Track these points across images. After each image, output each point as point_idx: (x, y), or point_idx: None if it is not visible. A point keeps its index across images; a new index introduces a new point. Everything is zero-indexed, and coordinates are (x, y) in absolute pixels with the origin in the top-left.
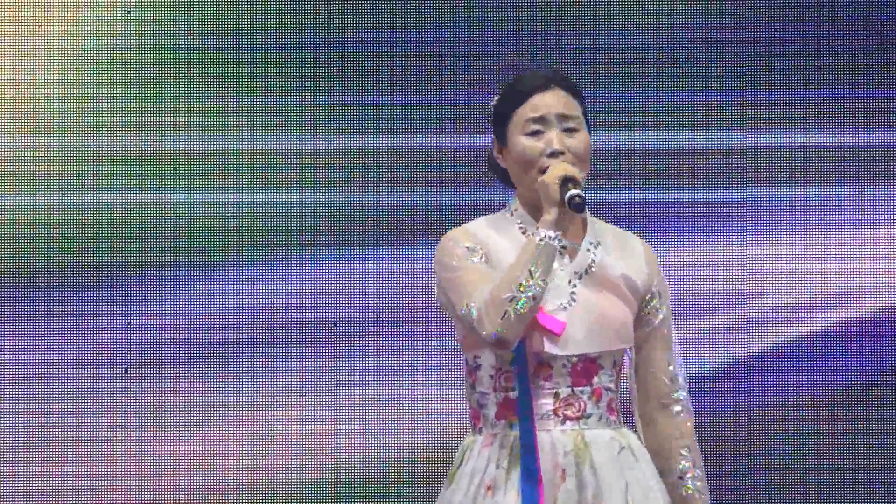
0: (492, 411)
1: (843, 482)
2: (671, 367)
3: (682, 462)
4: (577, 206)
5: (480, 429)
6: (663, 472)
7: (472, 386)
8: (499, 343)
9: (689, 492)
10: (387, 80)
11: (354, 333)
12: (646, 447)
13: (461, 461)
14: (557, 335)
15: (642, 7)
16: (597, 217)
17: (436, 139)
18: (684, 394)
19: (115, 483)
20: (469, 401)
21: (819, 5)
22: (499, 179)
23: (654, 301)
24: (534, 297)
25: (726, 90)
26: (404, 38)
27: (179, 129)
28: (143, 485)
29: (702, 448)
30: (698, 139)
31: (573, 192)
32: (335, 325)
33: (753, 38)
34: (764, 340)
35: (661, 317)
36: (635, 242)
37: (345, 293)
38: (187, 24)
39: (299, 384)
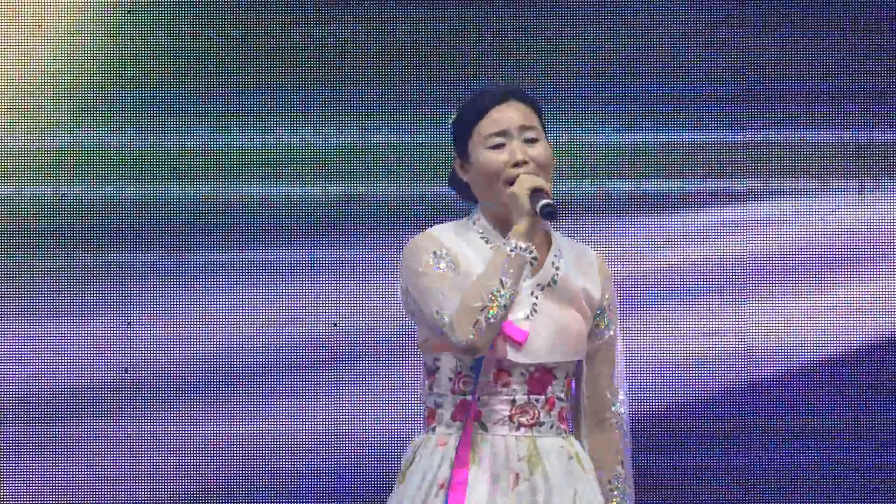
0: (448, 412)
1: (844, 482)
2: (614, 382)
3: (614, 473)
4: (549, 214)
5: (434, 427)
6: (599, 480)
7: (430, 387)
8: (469, 350)
9: (615, 502)
10: (387, 79)
11: (354, 333)
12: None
13: (412, 459)
14: (521, 344)
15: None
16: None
17: (436, 139)
18: (623, 409)
19: (115, 483)
20: (425, 401)
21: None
22: (460, 195)
23: (605, 315)
24: (504, 307)
25: (727, 90)
26: (404, 39)
27: (180, 128)
28: (143, 485)
29: (702, 447)
30: (698, 137)
31: (545, 201)
32: (335, 324)
33: (753, 38)
34: (765, 340)
35: (610, 332)
36: (591, 255)
37: (345, 293)
38: (187, 24)
39: (299, 384)
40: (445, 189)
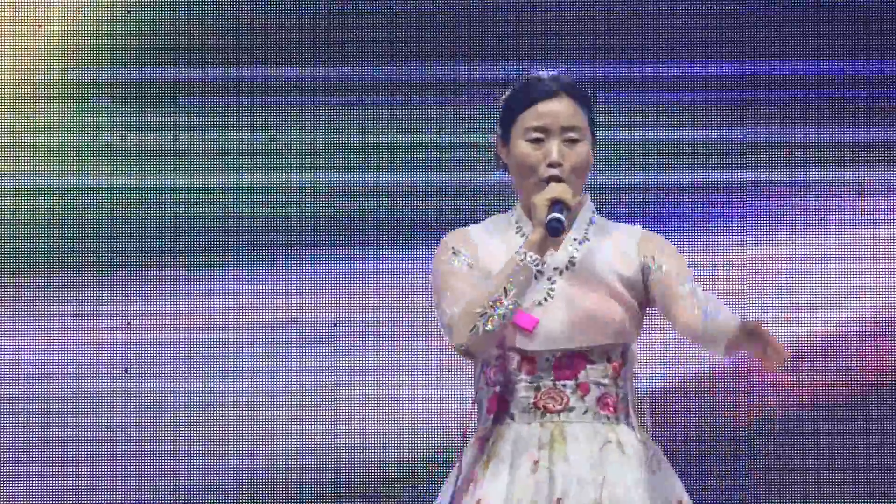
0: (485, 406)
1: (843, 482)
2: (677, 282)
3: (699, 318)
4: (554, 230)
5: (479, 421)
6: (701, 335)
7: (476, 381)
8: (465, 354)
9: (707, 323)
10: (389, 79)
11: (354, 333)
12: (686, 335)
13: (463, 453)
14: (528, 331)
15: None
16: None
17: (438, 138)
18: (705, 303)
19: (115, 483)
20: (475, 397)
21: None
22: (502, 170)
23: (653, 268)
24: (503, 316)
25: (727, 90)
26: (404, 37)
27: (180, 127)
28: (143, 485)
29: (701, 447)
30: (698, 136)
31: (553, 215)
32: (335, 324)
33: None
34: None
35: (664, 269)
36: (636, 233)
37: (345, 293)
38: (187, 23)
39: (299, 384)
40: (450, 187)
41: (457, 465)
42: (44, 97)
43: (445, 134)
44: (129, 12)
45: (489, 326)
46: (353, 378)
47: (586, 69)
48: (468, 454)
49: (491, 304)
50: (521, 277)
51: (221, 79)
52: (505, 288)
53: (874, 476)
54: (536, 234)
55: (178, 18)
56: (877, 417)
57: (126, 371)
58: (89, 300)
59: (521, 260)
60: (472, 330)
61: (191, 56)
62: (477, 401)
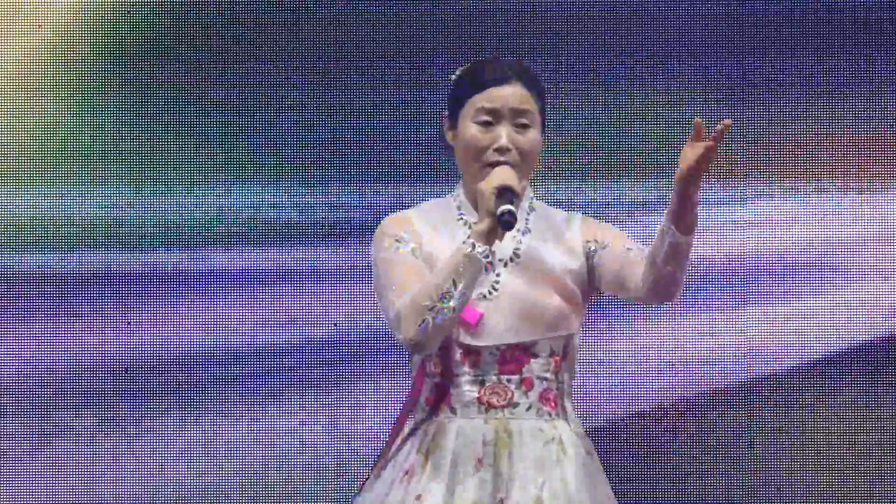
0: (424, 396)
1: (843, 482)
2: (633, 252)
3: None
4: (507, 224)
5: (413, 413)
6: (650, 266)
7: (412, 370)
8: (415, 348)
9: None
10: (388, 78)
11: (354, 334)
12: (645, 286)
13: (391, 444)
14: (472, 325)
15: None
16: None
17: (437, 139)
18: (636, 246)
19: (115, 483)
20: (412, 385)
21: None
22: (445, 153)
23: (598, 250)
24: (454, 309)
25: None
26: (405, 35)
27: (180, 129)
28: (143, 485)
29: (703, 446)
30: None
31: (505, 207)
32: (335, 324)
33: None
34: (766, 341)
35: (610, 244)
36: (575, 219)
37: (345, 293)
38: (187, 24)
39: (299, 384)
40: (447, 190)
41: (387, 453)
42: (44, 97)
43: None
44: (129, 12)
45: (439, 320)
46: (353, 378)
47: (585, 69)
48: (404, 444)
49: (440, 296)
50: (471, 269)
51: (222, 79)
52: (454, 280)
53: (874, 475)
54: (484, 224)
55: (179, 18)
56: (876, 417)
57: (126, 371)
58: (89, 300)
59: (470, 251)
60: (421, 324)
61: (191, 56)
62: (416, 390)
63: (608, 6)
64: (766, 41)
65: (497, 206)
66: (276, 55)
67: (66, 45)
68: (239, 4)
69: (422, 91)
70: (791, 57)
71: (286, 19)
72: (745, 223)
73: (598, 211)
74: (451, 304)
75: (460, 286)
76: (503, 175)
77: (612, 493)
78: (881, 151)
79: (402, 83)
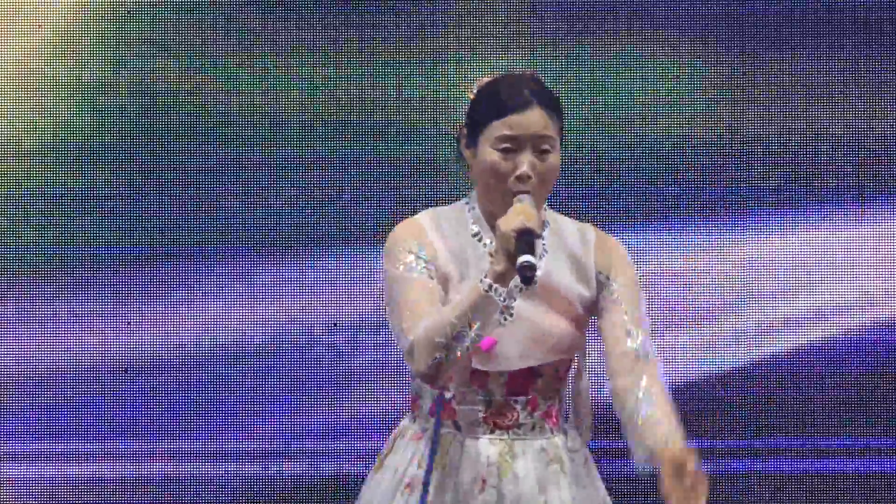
0: (427, 405)
1: (844, 482)
2: (625, 319)
3: (634, 402)
4: (526, 280)
5: (415, 418)
6: (628, 422)
7: (415, 378)
8: (424, 379)
9: (641, 422)
10: (389, 78)
11: (354, 333)
12: (614, 403)
13: (391, 448)
14: (485, 352)
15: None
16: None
17: (439, 138)
18: (635, 344)
19: (115, 483)
20: (411, 386)
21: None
22: (459, 164)
23: (606, 285)
24: (467, 349)
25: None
26: (405, 34)
27: (179, 128)
28: (143, 485)
29: (703, 446)
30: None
31: (525, 260)
32: (335, 324)
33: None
34: (765, 344)
35: (614, 294)
36: (590, 237)
37: (345, 293)
38: (187, 24)
39: (299, 384)
40: (449, 190)
41: (383, 460)
42: (44, 97)
43: (449, 136)
44: (129, 12)
45: (451, 358)
46: (353, 378)
47: (586, 68)
48: (404, 452)
49: (454, 336)
50: (488, 309)
51: (222, 78)
52: (469, 322)
53: (873, 475)
54: (501, 266)
55: (179, 18)
56: (876, 417)
57: (126, 371)
58: (89, 300)
59: (486, 291)
60: (433, 360)
61: (191, 56)
62: (418, 397)
63: (608, 6)
64: (766, 41)
65: (517, 251)
66: (276, 55)
67: (66, 44)
68: (239, 4)
69: (422, 91)
70: (791, 57)
71: (286, 19)
72: (746, 224)
73: (598, 211)
74: (466, 343)
75: (475, 326)
76: (523, 215)
77: (607, 497)
78: (881, 152)
79: (402, 83)
